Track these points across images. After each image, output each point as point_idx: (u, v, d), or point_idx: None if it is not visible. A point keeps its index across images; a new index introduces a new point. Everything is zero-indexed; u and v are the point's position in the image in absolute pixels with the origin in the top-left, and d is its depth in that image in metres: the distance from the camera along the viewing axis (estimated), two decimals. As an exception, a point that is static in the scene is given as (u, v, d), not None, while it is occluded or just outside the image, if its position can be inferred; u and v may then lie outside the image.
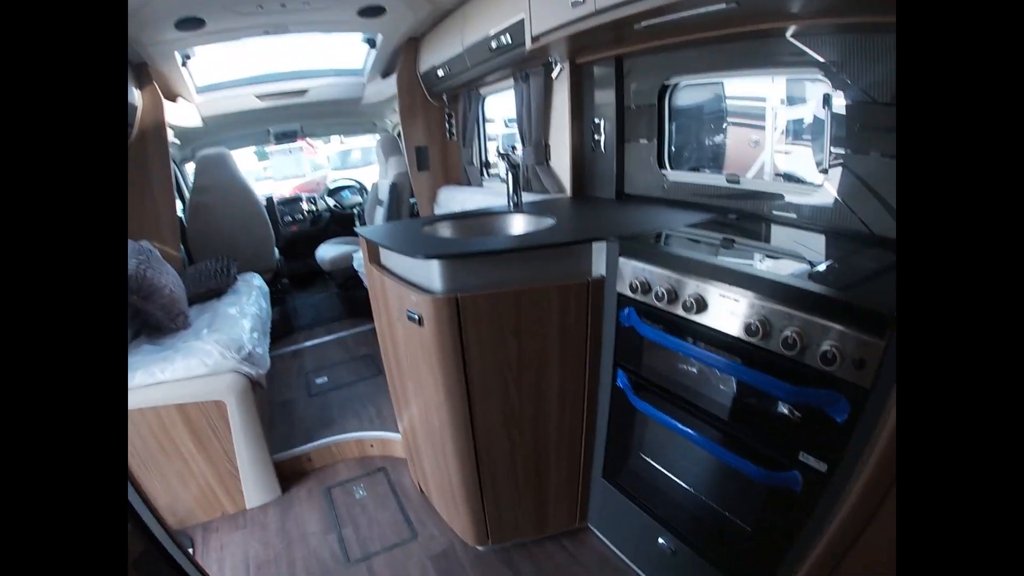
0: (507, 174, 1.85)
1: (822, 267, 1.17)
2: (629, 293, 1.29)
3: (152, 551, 0.78)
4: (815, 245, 1.38)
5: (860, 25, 1.27)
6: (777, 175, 1.80)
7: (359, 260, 2.53)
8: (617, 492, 1.60)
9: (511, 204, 1.89)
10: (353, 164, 8.71)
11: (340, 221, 4.98)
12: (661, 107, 1.82)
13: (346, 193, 5.07)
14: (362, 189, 5.08)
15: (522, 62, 2.20)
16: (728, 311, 1.07)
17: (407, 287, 1.36)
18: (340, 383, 2.85)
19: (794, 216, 1.54)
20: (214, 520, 1.98)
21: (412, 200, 3.67)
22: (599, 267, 1.37)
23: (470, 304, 1.28)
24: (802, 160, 1.67)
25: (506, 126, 3.50)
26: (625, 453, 1.56)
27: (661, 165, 1.85)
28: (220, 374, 1.82)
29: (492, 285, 1.30)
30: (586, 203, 2.02)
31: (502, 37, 2.21)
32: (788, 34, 1.45)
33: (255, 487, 2.01)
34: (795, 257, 1.31)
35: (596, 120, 2.02)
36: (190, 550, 1.80)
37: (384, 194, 3.78)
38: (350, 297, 3.90)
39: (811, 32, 1.40)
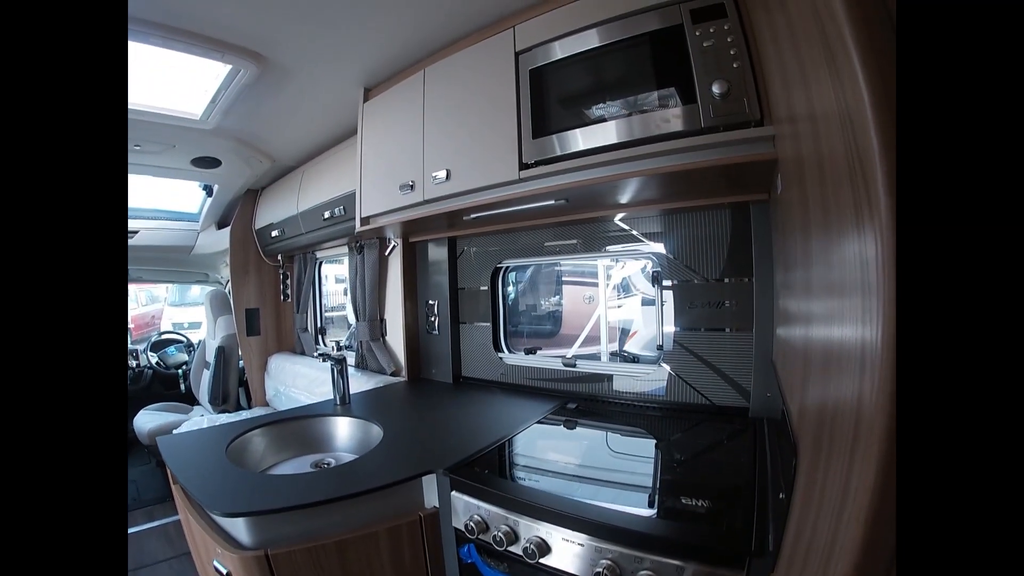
0: (332, 371, 1.66)
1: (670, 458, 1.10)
2: (466, 532, 1.12)
3: None
4: (658, 427, 1.35)
5: (685, 209, 1.36)
6: (613, 354, 1.82)
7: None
8: None
9: (337, 399, 1.68)
10: (193, 300, 8.00)
11: (164, 381, 4.34)
12: (495, 289, 1.80)
13: (172, 349, 4.48)
14: (190, 346, 4.54)
15: (358, 234, 2.12)
16: (573, 555, 0.94)
17: (212, 534, 1.07)
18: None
19: (633, 395, 1.52)
20: None
21: (241, 363, 3.29)
22: (431, 498, 1.19)
23: (284, 561, 1.02)
24: (633, 311, 1.69)
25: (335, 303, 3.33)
26: None
27: (498, 348, 1.79)
28: None
29: (310, 536, 1.06)
30: (422, 392, 1.87)
31: (335, 208, 2.13)
32: (616, 219, 1.53)
33: None
34: (640, 457, 1.25)
35: (430, 301, 1.95)
36: None
37: (211, 356, 3.36)
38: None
39: (640, 216, 1.49)
